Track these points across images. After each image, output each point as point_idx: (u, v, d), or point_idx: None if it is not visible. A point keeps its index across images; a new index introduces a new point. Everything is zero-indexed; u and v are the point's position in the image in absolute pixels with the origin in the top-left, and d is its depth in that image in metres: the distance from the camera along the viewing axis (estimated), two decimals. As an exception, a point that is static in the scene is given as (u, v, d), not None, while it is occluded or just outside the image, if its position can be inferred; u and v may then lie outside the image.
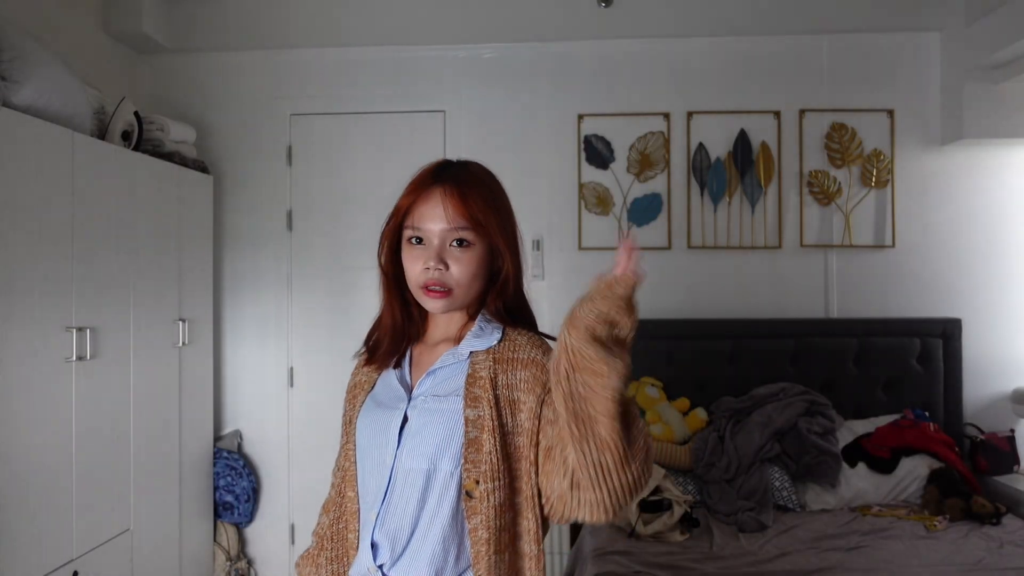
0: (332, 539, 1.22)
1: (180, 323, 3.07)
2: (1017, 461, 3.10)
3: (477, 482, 1.05)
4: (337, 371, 3.42)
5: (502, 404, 1.09)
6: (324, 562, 1.22)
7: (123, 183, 2.69)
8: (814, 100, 3.39)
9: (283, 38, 3.50)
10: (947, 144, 3.32)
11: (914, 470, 2.94)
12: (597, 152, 3.43)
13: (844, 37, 3.38)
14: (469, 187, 1.12)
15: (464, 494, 1.07)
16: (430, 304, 1.13)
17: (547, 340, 1.17)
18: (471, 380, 1.11)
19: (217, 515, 3.37)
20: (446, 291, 1.11)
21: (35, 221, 2.22)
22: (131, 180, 2.74)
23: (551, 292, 3.41)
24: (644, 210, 3.40)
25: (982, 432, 3.20)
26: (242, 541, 3.48)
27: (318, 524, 1.28)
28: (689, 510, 2.61)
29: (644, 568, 2.30)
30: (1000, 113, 3.17)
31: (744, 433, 2.94)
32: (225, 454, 3.36)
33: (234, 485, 3.34)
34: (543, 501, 1.05)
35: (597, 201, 3.42)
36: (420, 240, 1.12)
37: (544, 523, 1.09)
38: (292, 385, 3.53)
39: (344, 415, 1.26)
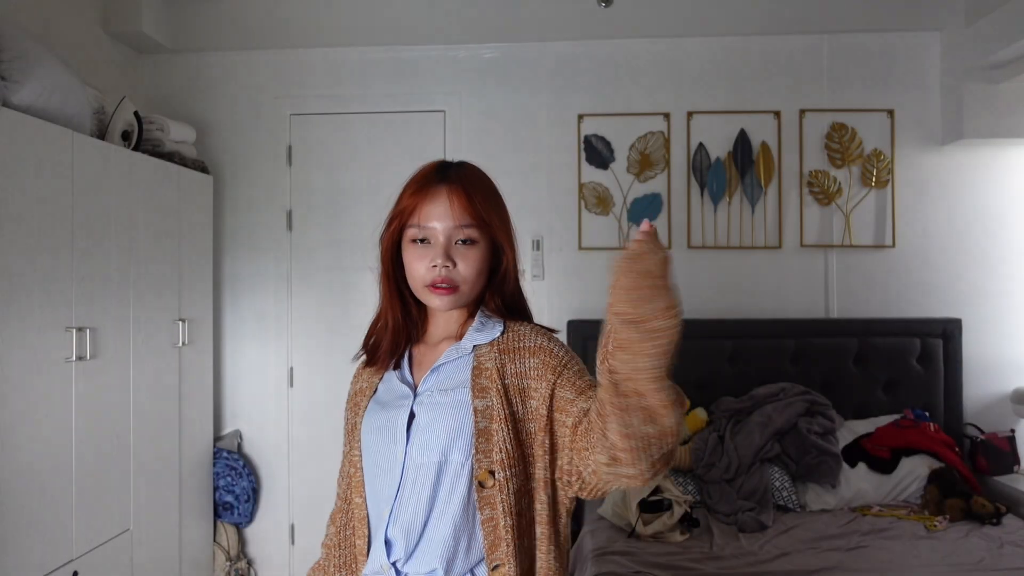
0: (339, 547, 1.22)
1: (180, 323, 3.07)
2: (1017, 461, 3.10)
3: (492, 472, 1.07)
4: (337, 371, 3.43)
5: (511, 393, 1.10)
6: (332, 569, 1.22)
7: (123, 183, 2.69)
8: (814, 100, 3.39)
9: (283, 38, 3.50)
10: (947, 144, 3.32)
11: (914, 470, 2.94)
12: (597, 152, 3.43)
13: (844, 37, 3.38)
14: (472, 186, 1.15)
15: (476, 484, 1.08)
16: (436, 302, 1.14)
17: (549, 331, 1.19)
18: (477, 372, 1.12)
19: (217, 515, 3.37)
20: (453, 288, 1.13)
21: (35, 221, 2.22)
22: (131, 180, 2.74)
23: (551, 292, 3.41)
24: (644, 210, 3.40)
25: (982, 432, 3.20)
26: (242, 541, 3.48)
27: (326, 535, 1.29)
28: (689, 510, 2.61)
29: (644, 568, 2.30)
30: (1000, 113, 3.17)
31: (744, 433, 2.94)
32: (225, 454, 3.36)
33: (234, 485, 3.34)
34: (573, 478, 1.06)
35: (597, 201, 3.42)
36: (424, 239, 1.13)
37: (556, 505, 1.10)
38: (292, 385, 3.53)
39: (346, 423, 1.26)
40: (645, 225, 0.92)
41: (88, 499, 2.44)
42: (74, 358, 2.37)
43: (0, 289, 2.08)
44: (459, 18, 3.43)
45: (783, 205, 3.39)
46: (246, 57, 3.55)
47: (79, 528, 2.38)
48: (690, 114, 3.41)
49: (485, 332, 1.16)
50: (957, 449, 3.04)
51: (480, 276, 1.15)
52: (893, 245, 3.35)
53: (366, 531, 1.16)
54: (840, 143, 3.36)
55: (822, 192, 3.37)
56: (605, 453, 0.96)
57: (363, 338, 1.25)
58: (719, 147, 3.40)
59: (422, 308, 1.23)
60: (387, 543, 1.12)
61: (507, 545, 1.06)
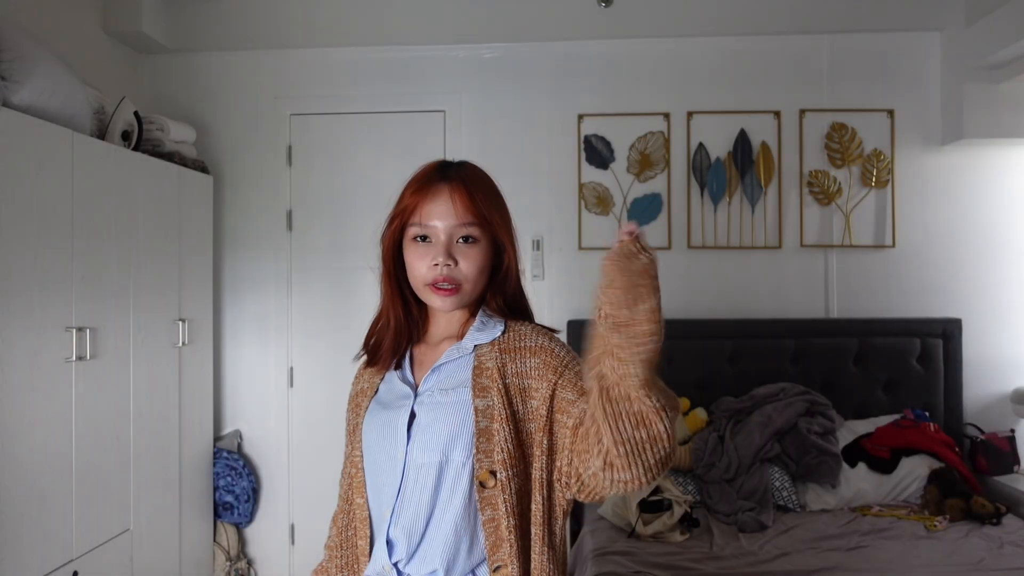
0: (341, 547, 1.22)
1: (180, 323, 3.07)
2: (1017, 461, 3.10)
3: (493, 472, 1.06)
4: (337, 371, 3.43)
5: (512, 392, 1.10)
6: (334, 570, 1.22)
7: (123, 183, 2.69)
8: (814, 100, 3.39)
9: (283, 38, 3.50)
10: (947, 144, 3.32)
11: (914, 470, 2.94)
12: (597, 152, 3.43)
13: (844, 37, 3.38)
14: (474, 184, 1.15)
15: (478, 484, 1.07)
16: (438, 302, 1.14)
17: (550, 331, 1.19)
18: (478, 371, 1.12)
19: (217, 515, 3.37)
20: (455, 287, 1.12)
21: (35, 221, 2.22)
22: (131, 180, 2.74)
23: (551, 292, 3.41)
24: (644, 210, 3.40)
25: (982, 432, 3.20)
26: (242, 541, 3.48)
27: (328, 537, 1.29)
28: (689, 510, 2.61)
29: (644, 568, 2.30)
30: (1000, 113, 3.17)
31: (744, 433, 2.94)
32: (225, 454, 3.36)
33: (234, 485, 3.34)
34: (572, 480, 1.06)
35: (597, 201, 3.42)
36: (425, 238, 1.13)
37: (551, 506, 1.09)
38: (292, 385, 3.53)
39: (348, 424, 1.25)
40: (630, 227, 0.92)
41: (88, 499, 2.44)
42: (74, 358, 2.37)
43: (0, 289, 2.08)
44: (459, 18, 3.43)
45: (783, 205, 3.39)
46: (246, 57, 3.55)
47: (79, 528, 2.38)
48: (690, 114, 3.41)
49: (486, 332, 1.15)
50: (957, 449, 3.04)
51: (482, 275, 1.15)
52: (893, 245, 3.35)
53: (368, 531, 1.16)
54: (840, 143, 3.36)
55: (822, 192, 3.37)
56: (600, 458, 0.96)
57: (364, 338, 1.25)
58: (719, 147, 3.40)
59: (423, 308, 1.22)
60: (389, 544, 1.12)
61: (509, 546, 1.06)
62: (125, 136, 2.82)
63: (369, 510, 1.16)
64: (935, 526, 2.65)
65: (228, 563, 3.34)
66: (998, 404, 3.31)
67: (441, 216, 1.12)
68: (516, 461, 1.07)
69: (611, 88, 3.43)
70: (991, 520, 2.68)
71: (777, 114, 3.39)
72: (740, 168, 3.38)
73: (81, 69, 2.76)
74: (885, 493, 2.93)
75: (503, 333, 1.15)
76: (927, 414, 3.14)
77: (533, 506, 1.09)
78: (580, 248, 3.42)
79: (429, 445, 1.09)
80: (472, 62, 3.48)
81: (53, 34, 2.86)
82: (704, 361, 3.27)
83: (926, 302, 3.35)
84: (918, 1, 3.30)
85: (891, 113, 3.36)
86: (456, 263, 1.12)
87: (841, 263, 3.38)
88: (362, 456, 1.18)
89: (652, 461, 0.94)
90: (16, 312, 2.13)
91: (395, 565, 1.11)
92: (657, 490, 2.63)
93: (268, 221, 3.53)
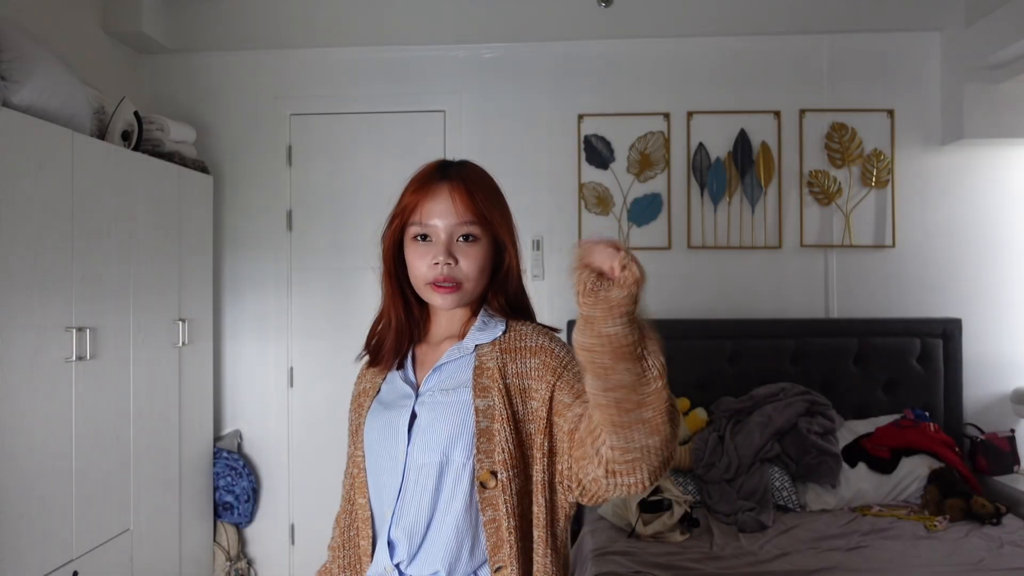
0: (343, 547, 1.22)
1: (180, 323, 3.07)
2: (1017, 461, 3.10)
3: (494, 473, 1.06)
4: (337, 371, 3.43)
5: (512, 393, 1.09)
6: (337, 571, 1.22)
7: (123, 183, 2.69)
8: (814, 100, 3.39)
9: (283, 38, 3.50)
10: (947, 144, 3.32)
11: (914, 470, 2.94)
12: (597, 152, 3.43)
13: (844, 37, 3.38)
14: (474, 183, 1.14)
15: (479, 485, 1.06)
16: (439, 300, 1.13)
17: (551, 330, 1.18)
18: (479, 371, 1.11)
19: (217, 515, 3.37)
20: (455, 286, 1.12)
21: (35, 221, 2.22)
22: (131, 180, 2.74)
23: (551, 292, 3.41)
24: (644, 210, 3.40)
25: (982, 432, 3.20)
26: (242, 541, 3.48)
27: (332, 538, 1.28)
28: (689, 510, 2.61)
29: (644, 568, 2.30)
30: (1000, 113, 3.17)
31: (744, 433, 2.94)
32: (225, 454, 3.36)
33: (234, 485, 3.34)
34: (574, 484, 1.04)
35: (597, 201, 3.42)
36: (426, 237, 1.13)
37: (554, 509, 1.08)
38: (292, 385, 3.53)
39: (350, 424, 1.25)
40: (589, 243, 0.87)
41: (88, 499, 2.44)
42: (74, 358, 2.37)
43: (0, 289, 2.08)
44: (459, 18, 3.43)
45: (783, 205, 3.39)
46: (246, 57, 3.55)
47: (79, 528, 2.38)
48: (690, 114, 3.41)
49: (487, 331, 1.15)
50: (957, 449, 3.04)
51: (482, 273, 1.14)
52: (893, 245, 3.35)
53: (370, 532, 1.16)
54: (840, 143, 3.36)
55: (822, 192, 3.37)
56: (602, 467, 0.95)
57: (365, 338, 1.25)
58: (719, 147, 3.40)
59: (424, 307, 1.22)
60: (390, 545, 1.11)
61: (510, 547, 1.05)
62: (125, 136, 2.82)
63: (371, 510, 1.16)
64: (935, 526, 2.65)
65: (228, 563, 3.34)
66: (998, 404, 3.31)
67: (441, 215, 1.12)
68: (517, 462, 1.07)
69: (611, 88, 3.43)
70: (991, 520, 2.68)
71: (777, 114, 3.39)
72: (740, 168, 3.38)
73: (81, 69, 2.76)
74: (885, 493, 2.93)
75: (504, 333, 1.15)
76: (927, 414, 3.14)
77: (535, 508, 1.08)
78: (580, 248, 3.42)
79: (429, 445, 1.09)
80: (472, 62, 3.48)
81: (53, 34, 2.86)
82: (704, 361, 3.27)
83: (926, 302, 3.35)
84: (918, 1, 3.30)
85: (891, 113, 3.36)
86: (456, 262, 1.11)
87: (841, 263, 3.38)
88: (364, 456, 1.18)
89: (657, 463, 0.93)
90: (16, 312, 2.13)
91: (397, 566, 1.11)
92: (657, 490, 2.62)
93: (268, 221, 3.53)
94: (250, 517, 3.43)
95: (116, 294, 2.63)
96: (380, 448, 1.14)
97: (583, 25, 3.39)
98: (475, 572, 1.10)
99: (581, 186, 3.42)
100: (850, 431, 3.07)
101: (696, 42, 3.42)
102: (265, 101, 3.53)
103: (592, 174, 3.43)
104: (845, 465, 2.94)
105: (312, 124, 3.54)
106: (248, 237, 3.54)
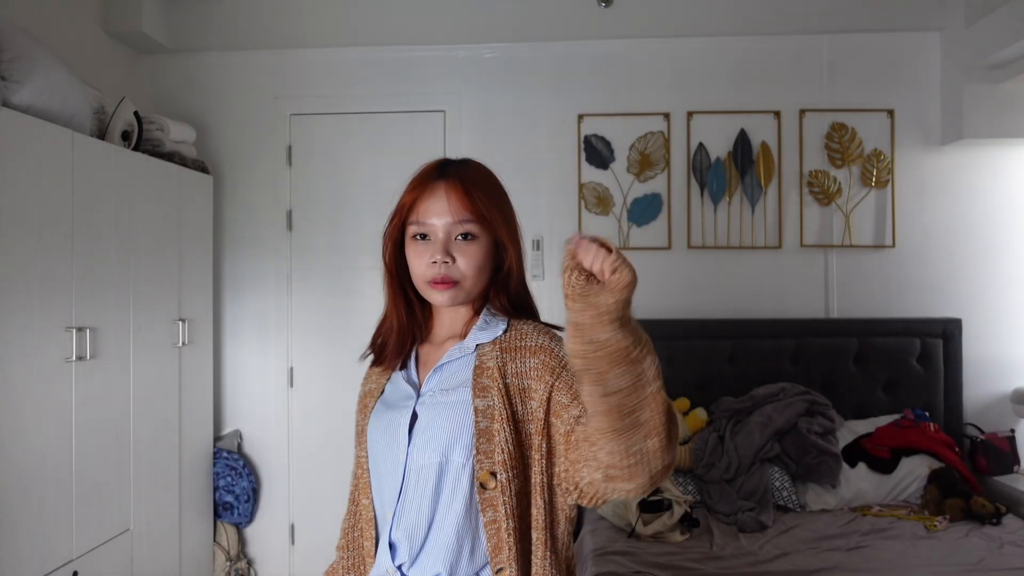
0: (348, 548, 1.22)
1: (180, 323, 3.07)
2: (1017, 461, 3.10)
3: (493, 474, 1.05)
4: (337, 371, 3.43)
5: (512, 392, 1.08)
6: (341, 571, 1.22)
7: (123, 183, 2.69)
8: (814, 100, 3.39)
9: (283, 38, 3.50)
10: (947, 144, 3.32)
11: (914, 470, 2.94)
12: (597, 152, 3.43)
13: (844, 37, 3.38)
14: (472, 182, 1.13)
15: (478, 486, 1.06)
16: (437, 297, 1.13)
17: (553, 329, 1.17)
18: (479, 371, 1.10)
19: (217, 515, 3.37)
20: (453, 282, 1.11)
21: (35, 221, 2.22)
22: (131, 180, 2.74)
23: (551, 292, 3.40)
24: (644, 210, 3.40)
25: (982, 432, 3.20)
26: (242, 541, 3.48)
27: (339, 538, 1.28)
28: (689, 510, 2.61)
29: (644, 568, 2.30)
30: (1000, 113, 3.17)
31: (744, 433, 2.94)
32: (225, 454, 3.36)
33: (234, 485, 3.34)
34: (571, 487, 1.03)
35: (597, 201, 3.42)
36: (424, 236, 1.12)
37: (553, 511, 1.08)
38: (292, 385, 3.53)
39: (356, 425, 1.25)
40: (577, 241, 0.87)
41: (88, 499, 2.44)
42: (74, 358, 2.37)
43: (0, 289, 2.08)
44: (459, 18, 3.43)
45: (783, 205, 3.39)
46: (246, 57, 3.55)
47: (79, 528, 2.38)
48: (690, 114, 3.41)
49: (488, 331, 1.14)
50: (957, 449, 3.04)
51: (481, 272, 1.13)
52: (893, 245, 3.35)
53: (373, 533, 1.16)
54: (840, 143, 3.36)
55: (822, 192, 3.37)
56: (600, 472, 0.95)
57: (370, 338, 1.25)
58: (719, 147, 3.40)
59: (427, 307, 1.22)
60: (391, 546, 1.11)
61: (509, 548, 1.04)
62: (125, 136, 2.82)
63: (374, 511, 1.16)
64: (935, 526, 2.65)
65: (228, 563, 3.34)
66: (998, 404, 3.31)
67: (438, 214, 1.11)
68: (516, 462, 1.06)
69: (611, 88, 3.43)
70: (991, 520, 2.68)
71: (777, 114, 3.39)
72: (740, 168, 3.38)
73: (81, 69, 2.77)
74: (885, 493, 2.93)
75: (505, 332, 1.14)
76: (927, 414, 3.14)
77: (534, 510, 1.07)
78: (580, 248, 3.41)
79: (428, 446, 1.08)
80: (472, 62, 3.48)
81: (53, 34, 2.87)
82: (704, 361, 3.27)
83: (926, 302, 3.35)
84: (918, 1, 3.30)
85: (891, 113, 3.36)
86: (454, 260, 1.11)
87: (841, 263, 3.38)
88: (367, 457, 1.18)
89: (657, 468, 0.93)
90: (16, 312, 2.13)
91: (399, 568, 1.10)
92: (657, 490, 2.63)
93: (268, 221, 3.53)
94: (250, 517, 3.43)
95: (116, 294, 2.63)
96: (382, 449, 1.14)
97: (583, 25, 3.39)
98: (477, 574, 1.09)
99: (581, 186, 3.42)
100: (850, 431, 3.07)
101: (696, 42, 3.42)
102: (265, 101, 3.53)
103: (592, 174, 3.43)
104: (845, 465, 2.94)
105: (312, 124, 3.54)
106: (248, 237, 3.54)
